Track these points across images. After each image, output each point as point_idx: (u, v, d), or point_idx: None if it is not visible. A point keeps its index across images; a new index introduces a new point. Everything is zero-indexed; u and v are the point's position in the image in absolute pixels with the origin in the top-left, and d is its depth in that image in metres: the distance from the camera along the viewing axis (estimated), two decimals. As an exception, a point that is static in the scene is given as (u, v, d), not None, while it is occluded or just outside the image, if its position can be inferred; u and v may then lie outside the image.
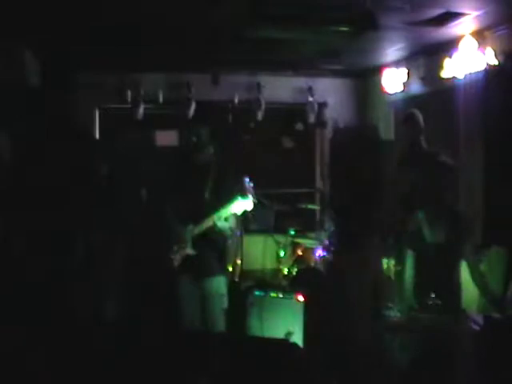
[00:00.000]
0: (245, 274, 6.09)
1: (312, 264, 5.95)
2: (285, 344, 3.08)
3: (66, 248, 4.31)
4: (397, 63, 6.52)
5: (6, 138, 4.67)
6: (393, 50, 6.09)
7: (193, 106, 7.01)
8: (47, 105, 5.57)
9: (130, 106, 6.99)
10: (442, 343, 3.28)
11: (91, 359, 2.36)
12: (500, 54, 4.77)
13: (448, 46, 5.33)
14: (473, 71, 5.03)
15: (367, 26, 4.51)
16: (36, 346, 2.53)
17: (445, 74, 5.48)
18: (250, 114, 7.38)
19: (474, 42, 4.96)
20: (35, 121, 5.13)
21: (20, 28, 4.91)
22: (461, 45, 5.06)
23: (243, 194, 3.81)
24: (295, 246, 6.38)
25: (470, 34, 5.01)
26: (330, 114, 7.67)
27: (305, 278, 5.52)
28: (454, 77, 5.32)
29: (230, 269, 5.69)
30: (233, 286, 4.85)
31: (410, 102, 6.30)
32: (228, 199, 3.83)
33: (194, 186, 3.96)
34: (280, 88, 7.42)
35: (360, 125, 7.72)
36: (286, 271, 6.10)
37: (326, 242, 5.87)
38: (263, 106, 7.28)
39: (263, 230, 6.52)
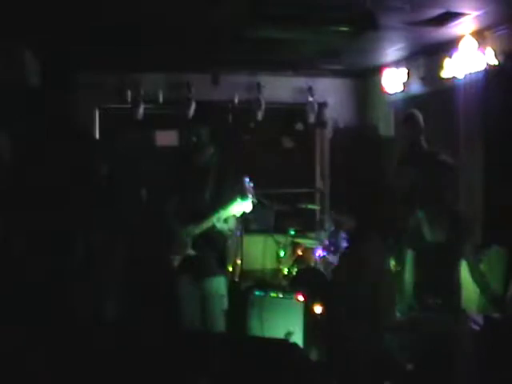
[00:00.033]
0: (245, 273, 6.09)
1: (312, 264, 5.95)
2: (285, 344, 3.08)
3: (66, 248, 4.31)
4: (397, 63, 6.52)
5: (6, 138, 4.66)
6: (393, 50, 6.09)
7: (193, 106, 7.01)
8: (47, 105, 5.57)
9: (129, 106, 6.99)
10: (442, 343, 3.28)
11: (91, 359, 2.36)
12: (500, 54, 4.77)
13: (448, 45, 5.33)
14: (473, 71, 5.03)
15: (367, 25, 4.51)
16: (36, 345, 2.53)
17: (445, 73, 5.48)
18: (250, 114, 7.38)
19: (474, 42, 4.96)
20: (35, 121, 5.13)
21: (20, 28, 4.91)
22: (461, 45, 5.06)
23: (243, 196, 3.81)
24: (295, 245, 6.38)
25: (470, 34, 5.01)
26: (330, 113, 7.68)
27: (305, 278, 5.52)
28: (454, 77, 5.32)
29: (230, 269, 5.69)
30: (233, 286, 4.85)
31: (409, 102, 6.30)
32: (228, 199, 3.83)
33: (193, 186, 3.96)
34: (280, 88, 7.42)
35: (360, 125, 7.73)
36: (285, 271, 6.10)
37: (326, 242, 5.88)
38: (263, 106, 7.28)
39: (263, 230, 6.52)
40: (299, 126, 7.93)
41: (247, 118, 7.46)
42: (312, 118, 7.56)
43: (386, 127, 7.11)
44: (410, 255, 3.90)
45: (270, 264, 6.52)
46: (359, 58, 6.59)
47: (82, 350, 2.44)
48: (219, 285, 3.98)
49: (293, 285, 5.50)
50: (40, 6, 4.30)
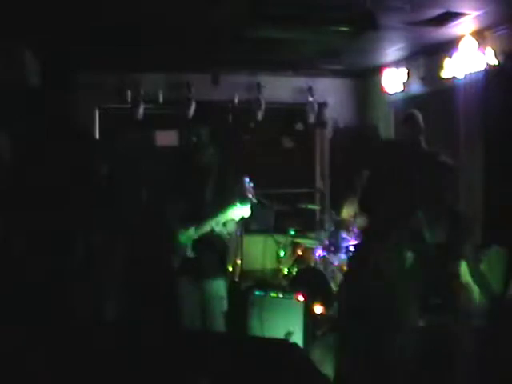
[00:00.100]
0: (245, 273, 6.09)
1: (312, 264, 5.95)
2: (285, 344, 3.08)
3: (66, 248, 4.31)
4: (397, 63, 6.52)
5: (6, 138, 4.66)
6: (393, 50, 6.09)
7: (193, 106, 7.01)
8: (47, 105, 5.57)
9: (129, 105, 7.00)
10: (441, 343, 3.28)
11: (91, 359, 2.36)
12: (500, 54, 4.78)
13: (448, 45, 5.33)
14: (473, 71, 5.03)
15: (367, 25, 4.51)
16: (36, 345, 2.53)
17: (445, 74, 5.48)
18: (250, 114, 7.38)
19: (474, 42, 4.96)
20: (35, 121, 5.13)
21: (20, 28, 4.91)
22: (461, 45, 5.07)
23: (242, 200, 3.81)
24: (295, 245, 6.38)
25: (470, 34, 5.01)
26: (330, 114, 7.68)
27: (305, 278, 5.53)
28: (454, 77, 5.32)
29: (230, 269, 5.69)
30: (233, 286, 4.85)
31: (409, 102, 6.31)
32: (228, 199, 3.83)
33: (194, 186, 3.96)
34: (280, 88, 7.43)
35: (360, 125, 7.73)
36: (285, 271, 6.11)
37: (326, 242, 5.88)
38: (263, 106, 7.29)
39: (263, 230, 6.53)
40: (299, 126, 7.93)
41: (247, 117, 7.47)
42: (312, 118, 7.57)
43: (386, 127, 7.11)
44: (409, 255, 3.89)
45: (270, 264, 6.53)
46: (359, 58, 6.59)
47: (81, 349, 2.44)
48: (219, 287, 3.98)
49: (293, 285, 5.50)
50: (40, 6, 4.30)
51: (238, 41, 5.46)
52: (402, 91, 6.50)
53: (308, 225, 7.02)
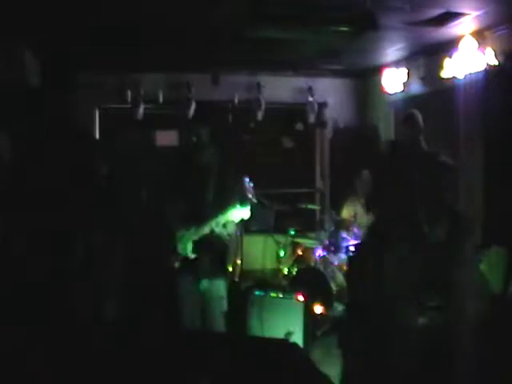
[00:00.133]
0: (245, 273, 6.09)
1: (312, 264, 5.95)
2: (285, 344, 3.08)
3: (66, 248, 4.31)
4: (397, 63, 6.52)
5: (6, 138, 4.66)
6: (393, 50, 6.09)
7: (193, 106, 7.01)
8: (47, 105, 5.57)
9: (129, 106, 7.00)
10: (441, 343, 3.28)
11: (91, 359, 2.36)
12: (500, 54, 4.78)
13: (448, 45, 5.34)
14: (473, 71, 5.03)
15: (367, 25, 4.51)
16: (36, 346, 2.53)
17: (445, 73, 5.48)
18: (250, 114, 7.38)
19: (474, 42, 4.96)
20: (35, 121, 5.13)
21: (20, 28, 4.91)
22: (461, 45, 5.07)
23: (242, 202, 3.81)
24: (295, 245, 6.38)
25: (470, 34, 5.01)
26: (330, 114, 7.68)
27: (305, 278, 5.53)
28: (454, 77, 5.32)
29: (230, 269, 5.69)
30: (233, 286, 4.85)
31: (410, 102, 6.31)
32: (228, 199, 3.83)
33: (194, 186, 3.96)
34: (280, 88, 7.43)
35: (360, 125, 7.73)
36: (285, 271, 6.10)
37: (326, 242, 5.88)
38: (263, 106, 7.29)
39: (263, 230, 6.53)
40: (299, 126, 7.93)
41: (247, 117, 7.47)
42: (312, 118, 7.57)
43: (386, 127, 7.11)
44: (409, 256, 3.89)
45: (270, 264, 6.53)
46: (359, 58, 6.60)
47: (81, 349, 2.44)
48: (219, 287, 3.98)
49: (293, 285, 5.50)
50: (40, 6, 4.30)
51: (238, 41, 5.46)
52: (402, 91, 6.51)
53: (308, 225, 7.01)
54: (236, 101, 7.27)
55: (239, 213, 3.81)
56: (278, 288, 5.02)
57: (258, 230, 6.64)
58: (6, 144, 4.63)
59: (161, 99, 7.05)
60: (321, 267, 5.78)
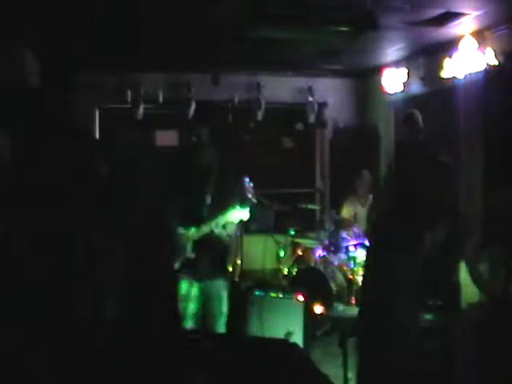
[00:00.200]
0: (245, 273, 6.09)
1: (312, 264, 5.95)
2: (285, 344, 3.08)
3: (66, 248, 4.31)
4: (397, 63, 6.52)
5: (6, 138, 4.66)
6: (393, 50, 6.09)
7: (193, 106, 7.01)
8: (47, 105, 5.57)
9: (129, 106, 7.00)
10: (441, 343, 3.28)
11: (91, 359, 2.36)
12: (500, 54, 4.78)
13: (448, 45, 5.34)
14: (473, 71, 5.03)
15: (367, 25, 4.52)
16: (36, 346, 2.53)
17: (445, 73, 5.48)
18: (250, 114, 7.38)
19: (474, 42, 4.96)
20: (35, 121, 5.13)
21: (20, 28, 4.91)
22: (461, 45, 5.07)
23: (242, 203, 3.81)
24: (295, 245, 6.38)
25: (470, 34, 5.01)
26: (330, 114, 7.68)
27: (305, 278, 5.53)
28: (454, 77, 5.32)
29: (230, 269, 5.69)
30: (233, 286, 4.85)
31: (410, 102, 6.31)
32: (228, 199, 3.83)
33: (194, 186, 3.96)
34: (280, 88, 7.43)
35: (360, 125, 7.73)
36: (285, 271, 6.10)
37: (326, 242, 5.88)
38: (263, 106, 7.29)
39: (263, 230, 6.52)
40: (299, 126, 7.93)
41: (247, 117, 7.47)
42: (312, 118, 7.57)
43: (386, 127, 7.11)
44: (409, 255, 3.89)
45: (270, 264, 6.52)
46: (359, 58, 6.60)
47: (81, 349, 2.44)
48: (219, 288, 3.98)
49: (293, 285, 5.50)
50: (40, 6, 4.30)
51: (238, 41, 5.46)
52: (402, 91, 6.51)
53: (308, 225, 7.02)
54: (236, 101, 7.27)
55: (239, 214, 3.81)
56: (277, 288, 5.03)
57: (258, 230, 6.64)
58: (6, 144, 4.63)
59: (161, 99, 7.05)
60: (321, 267, 5.78)
